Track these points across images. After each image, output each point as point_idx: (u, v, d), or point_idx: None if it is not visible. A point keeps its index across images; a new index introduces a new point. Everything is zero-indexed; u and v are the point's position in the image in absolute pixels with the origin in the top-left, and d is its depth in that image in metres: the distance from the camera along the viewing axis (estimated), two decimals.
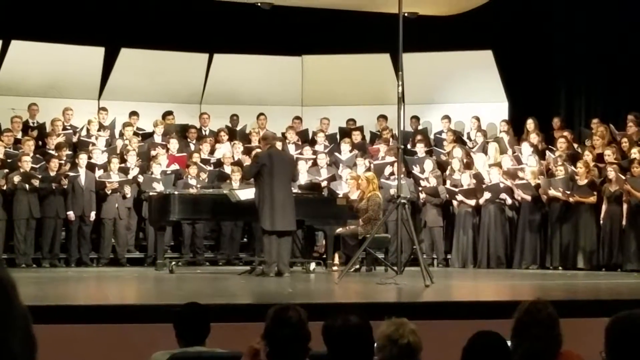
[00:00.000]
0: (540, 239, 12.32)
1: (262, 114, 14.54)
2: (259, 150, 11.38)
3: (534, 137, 13.11)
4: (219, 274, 11.14)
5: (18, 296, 1.80)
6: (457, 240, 12.83)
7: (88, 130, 13.59)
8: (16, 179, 11.77)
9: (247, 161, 13.17)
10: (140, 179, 12.69)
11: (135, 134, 13.67)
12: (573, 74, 14.56)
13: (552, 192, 11.99)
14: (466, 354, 3.27)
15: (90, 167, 12.53)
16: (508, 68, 14.67)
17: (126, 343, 5.50)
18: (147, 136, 13.89)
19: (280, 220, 9.89)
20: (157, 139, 13.69)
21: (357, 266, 11.07)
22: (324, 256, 11.82)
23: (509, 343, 3.35)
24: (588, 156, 12.07)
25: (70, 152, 12.79)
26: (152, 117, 14.07)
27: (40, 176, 11.91)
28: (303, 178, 12.80)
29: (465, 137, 14.35)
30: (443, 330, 5.53)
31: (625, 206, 11.43)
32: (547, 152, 12.88)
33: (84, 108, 14.08)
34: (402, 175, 10.01)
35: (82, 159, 12.39)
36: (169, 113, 14.35)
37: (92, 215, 12.38)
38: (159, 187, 12.20)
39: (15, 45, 13.80)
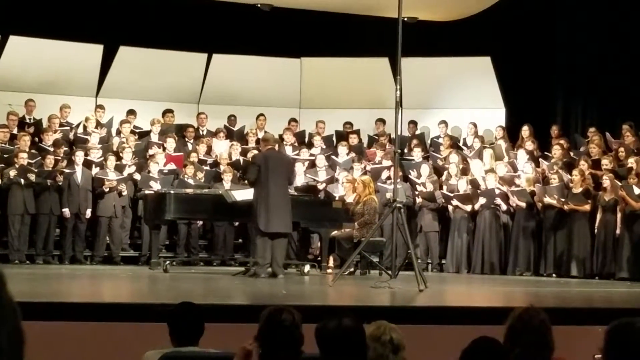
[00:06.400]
0: (534, 246, 12.34)
1: (261, 114, 14.55)
2: (256, 151, 11.37)
3: (530, 145, 13.12)
4: (213, 274, 11.12)
5: (7, 289, 1.80)
6: (452, 245, 12.85)
7: (85, 127, 13.57)
8: (12, 173, 11.75)
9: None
10: (138, 177, 12.69)
11: (132, 132, 13.66)
12: (570, 81, 14.56)
13: (547, 199, 12.00)
14: (465, 358, 3.26)
15: (87, 164, 12.52)
16: (506, 75, 14.69)
17: (119, 341, 5.49)
18: (143, 135, 13.87)
19: (275, 222, 9.88)
20: (154, 137, 13.68)
21: (352, 269, 11.07)
22: (319, 258, 11.82)
23: None
24: (584, 165, 12.08)
25: (66, 149, 12.78)
26: (150, 116, 14.05)
27: (36, 171, 11.89)
28: (300, 180, 12.80)
29: (461, 143, 14.35)
30: (435, 335, 5.54)
31: (619, 214, 11.45)
32: (541, 160, 12.90)
33: (81, 105, 14.04)
34: (398, 180, 10.01)
35: (79, 156, 12.39)
36: (169, 111, 14.34)
37: (88, 212, 12.36)
38: (156, 186, 12.19)
39: (14, 41, 13.78)
